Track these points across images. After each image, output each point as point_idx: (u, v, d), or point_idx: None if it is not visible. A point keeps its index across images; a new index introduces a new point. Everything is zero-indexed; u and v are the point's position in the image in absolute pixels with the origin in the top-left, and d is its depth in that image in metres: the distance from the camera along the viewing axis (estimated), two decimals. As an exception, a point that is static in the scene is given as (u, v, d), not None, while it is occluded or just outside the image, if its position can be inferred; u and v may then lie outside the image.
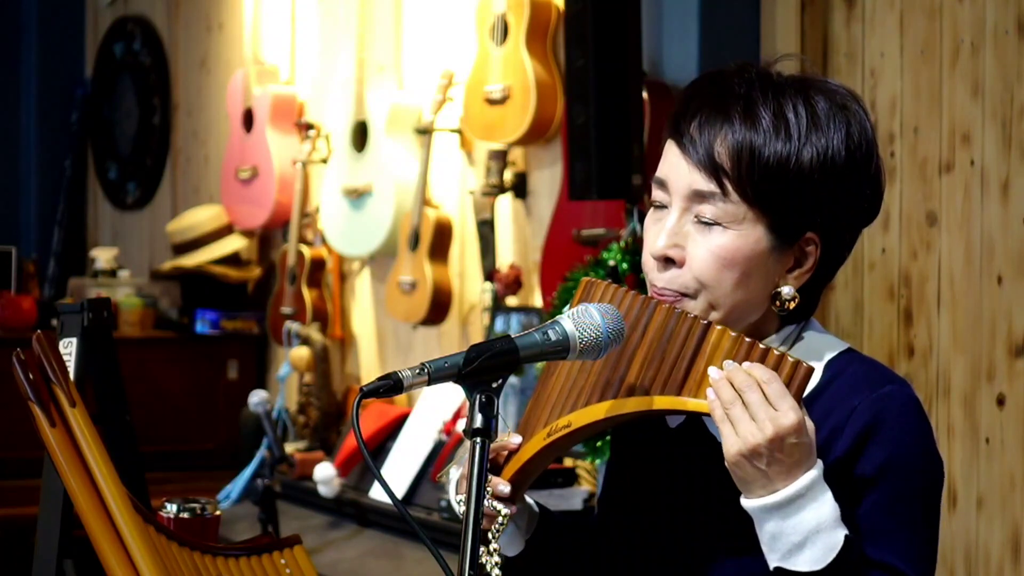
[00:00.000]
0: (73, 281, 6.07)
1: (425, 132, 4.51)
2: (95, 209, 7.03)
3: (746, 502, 1.56)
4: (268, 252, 5.66)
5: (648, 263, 1.69)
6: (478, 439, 1.52)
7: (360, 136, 4.78)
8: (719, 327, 1.60)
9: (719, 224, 1.62)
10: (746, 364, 1.56)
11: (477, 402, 1.53)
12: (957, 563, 3.22)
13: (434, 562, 1.56)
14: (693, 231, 1.64)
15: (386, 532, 4.10)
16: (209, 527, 2.14)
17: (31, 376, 2.01)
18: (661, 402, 1.61)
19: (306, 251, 5.12)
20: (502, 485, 1.67)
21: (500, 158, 4.27)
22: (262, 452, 4.00)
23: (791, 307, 1.66)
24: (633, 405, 1.62)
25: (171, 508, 2.13)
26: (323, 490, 4.30)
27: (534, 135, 4.11)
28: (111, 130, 6.84)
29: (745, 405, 1.53)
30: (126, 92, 6.72)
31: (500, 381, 1.54)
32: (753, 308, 1.66)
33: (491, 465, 1.69)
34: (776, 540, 1.55)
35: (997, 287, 3.17)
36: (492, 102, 4.15)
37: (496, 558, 1.63)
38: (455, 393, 4.15)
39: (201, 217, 5.59)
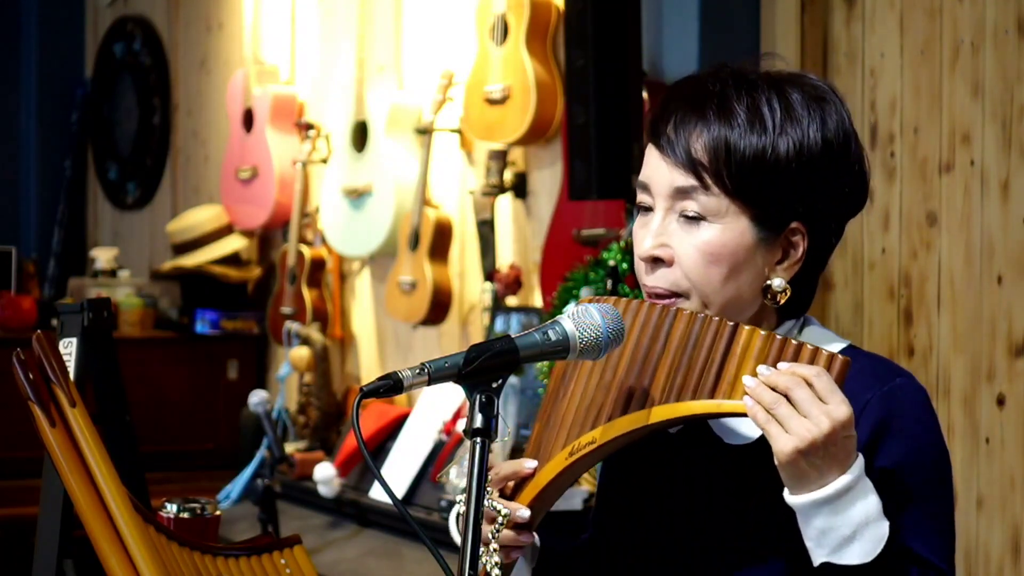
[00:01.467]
0: (73, 281, 6.07)
1: (425, 132, 4.51)
2: (95, 209, 7.03)
3: (795, 498, 1.54)
4: (268, 252, 5.66)
5: (639, 266, 1.70)
6: (478, 439, 1.52)
7: (360, 136, 4.78)
8: (747, 327, 1.59)
9: (704, 219, 1.64)
10: (785, 364, 1.55)
11: (477, 402, 1.52)
12: (957, 563, 3.21)
13: (434, 562, 1.56)
14: (678, 229, 1.66)
15: (386, 532, 4.10)
16: (209, 527, 2.14)
17: (31, 376, 2.01)
18: (695, 407, 1.58)
19: (306, 251, 5.12)
20: (522, 511, 1.65)
21: (500, 158, 4.27)
22: (262, 452, 4.00)
23: (783, 300, 1.67)
24: (664, 413, 1.60)
25: (171, 508, 2.13)
26: (323, 490, 4.30)
27: (534, 135, 4.11)
28: (111, 130, 6.84)
29: (794, 403, 1.52)
30: (126, 92, 6.72)
31: (500, 381, 1.54)
32: (746, 303, 1.67)
33: (501, 492, 1.68)
34: (825, 535, 1.54)
35: (997, 287, 3.17)
36: (492, 102, 4.15)
37: (496, 558, 1.63)
38: (455, 393, 4.15)
39: (201, 217, 5.59)
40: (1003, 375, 3.15)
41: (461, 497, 1.63)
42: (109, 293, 5.60)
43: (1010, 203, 3.14)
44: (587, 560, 1.84)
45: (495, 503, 1.64)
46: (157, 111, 6.48)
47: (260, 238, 5.66)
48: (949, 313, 3.27)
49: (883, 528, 1.54)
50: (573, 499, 3.67)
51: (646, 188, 1.69)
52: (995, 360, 3.17)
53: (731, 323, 1.60)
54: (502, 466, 1.68)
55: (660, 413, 1.60)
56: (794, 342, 1.57)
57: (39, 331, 2.06)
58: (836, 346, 1.70)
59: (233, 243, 5.56)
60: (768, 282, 1.67)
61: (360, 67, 4.77)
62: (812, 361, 1.55)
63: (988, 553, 3.16)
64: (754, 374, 1.56)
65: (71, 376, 2.11)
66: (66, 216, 6.97)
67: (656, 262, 1.67)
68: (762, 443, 1.67)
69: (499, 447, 3.76)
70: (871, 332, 3.45)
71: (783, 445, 1.51)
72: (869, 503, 1.54)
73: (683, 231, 1.65)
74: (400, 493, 4.04)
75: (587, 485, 3.75)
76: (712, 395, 1.58)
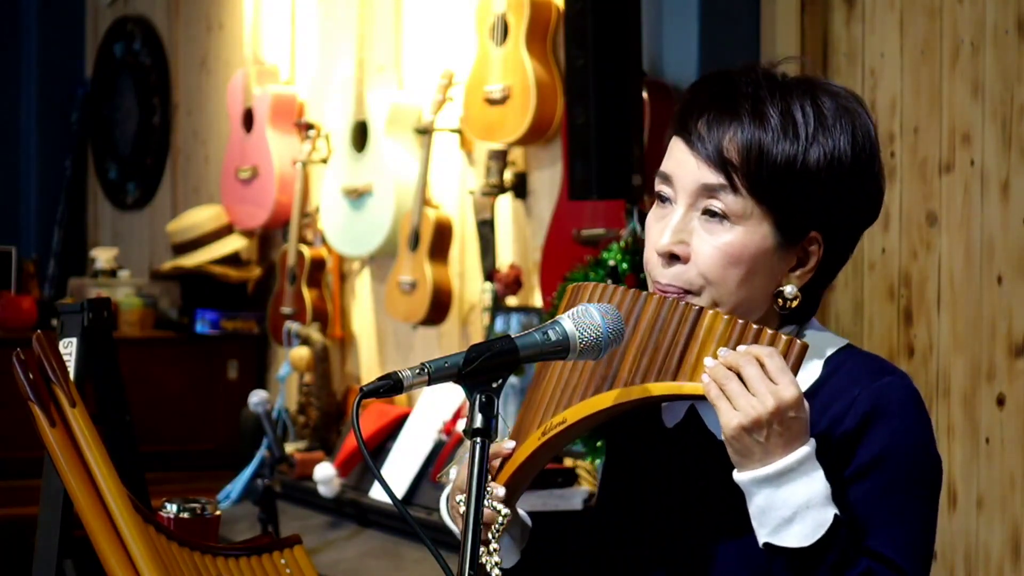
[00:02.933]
0: (73, 281, 6.07)
1: (425, 132, 4.51)
2: (95, 209, 7.03)
3: (738, 475, 1.57)
4: (268, 252, 5.66)
5: (651, 259, 1.69)
6: (478, 439, 1.52)
7: (360, 136, 4.78)
8: (711, 311, 1.61)
9: (727, 219, 1.63)
10: (743, 346, 1.57)
11: (477, 402, 1.52)
12: (957, 563, 3.21)
13: (434, 562, 1.56)
14: (699, 227, 1.65)
15: (386, 532, 4.10)
16: (209, 527, 2.14)
17: (31, 376, 2.01)
18: (655, 389, 1.61)
19: (306, 251, 5.12)
20: (498, 489, 1.67)
21: (500, 158, 4.27)
22: (262, 452, 4.00)
23: (792, 306, 1.67)
24: (627, 395, 1.63)
25: (171, 508, 2.13)
26: (323, 490, 4.30)
27: (534, 135, 4.11)
28: (111, 130, 6.84)
29: (744, 380, 1.54)
30: (126, 92, 6.72)
31: (500, 381, 1.54)
32: (756, 307, 1.67)
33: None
34: (765, 514, 1.55)
35: (997, 287, 3.17)
36: (492, 102, 4.15)
37: (496, 558, 1.63)
38: (455, 393, 4.15)
39: (201, 217, 5.59)
40: (1003, 375, 3.15)
41: (461, 497, 1.63)
42: (109, 293, 5.60)
43: (1010, 203, 3.14)
44: (583, 538, 1.84)
45: (495, 503, 1.64)
46: (157, 111, 6.48)
47: (260, 238, 5.66)
48: (949, 313, 3.27)
49: (827, 514, 1.54)
50: (573, 499, 3.67)
51: (668, 180, 1.68)
52: (995, 360, 3.17)
53: (696, 307, 1.61)
54: None
55: (623, 395, 1.63)
56: (754, 326, 1.59)
57: (39, 331, 2.06)
58: (835, 346, 1.70)
59: (233, 243, 5.56)
60: (780, 288, 1.67)
61: (360, 67, 4.77)
62: (771, 344, 1.57)
63: (988, 553, 3.16)
64: (716, 356, 1.58)
65: (71, 376, 2.11)
66: (66, 216, 6.97)
67: (672, 258, 1.66)
68: None
69: (499, 447, 3.76)
70: (871, 332, 3.45)
71: (728, 420, 1.54)
72: (813, 487, 1.54)
73: (704, 230, 1.65)
74: (400, 493, 4.04)
75: (587, 485, 3.75)
76: (675, 377, 1.61)
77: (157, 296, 5.76)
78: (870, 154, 1.66)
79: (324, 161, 5.09)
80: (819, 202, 1.63)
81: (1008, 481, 3.13)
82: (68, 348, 2.24)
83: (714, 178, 1.63)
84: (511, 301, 4.25)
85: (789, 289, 1.67)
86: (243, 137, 5.43)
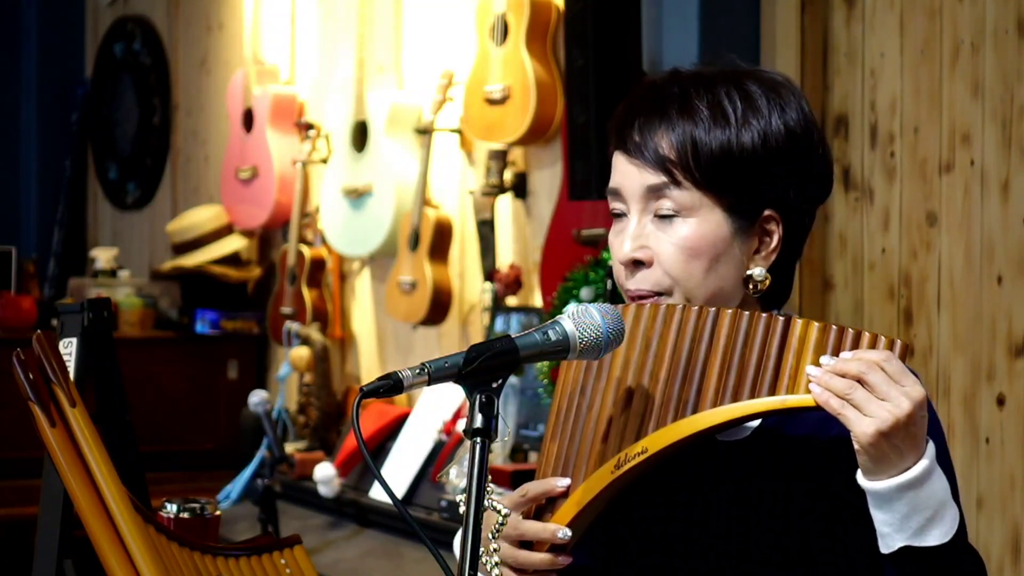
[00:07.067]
0: (73, 281, 6.07)
1: (425, 132, 4.51)
2: (95, 209, 7.03)
3: (876, 483, 1.52)
4: (268, 252, 5.66)
5: (620, 272, 1.71)
6: (478, 439, 1.52)
7: (360, 136, 4.78)
8: (800, 320, 1.57)
9: (678, 215, 1.66)
10: (848, 353, 1.54)
11: (477, 402, 1.52)
12: (957, 563, 3.21)
13: (434, 562, 1.56)
14: (655, 230, 1.68)
15: (386, 532, 4.11)
16: (209, 527, 2.14)
17: (31, 376, 2.01)
18: (760, 405, 1.55)
19: (306, 251, 5.12)
20: (563, 530, 1.63)
21: (500, 158, 4.27)
22: (262, 452, 4.01)
23: (764, 287, 1.68)
24: (727, 414, 1.56)
25: (171, 508, 2.13)
26: (323, 490, 4.31)
27: (534, 135, 4.11)
28: (111, 130, 6.84)
29: (869, 387, 1.50)
30: (126, 92, 6.72)
31: (500, 381, 1.53)
32: (729, 296, 1.68)
33: (524, 514, 1.65)
34: (908, 519, 1.53)
35: (997, 287, 3.17)
36: (492, 102, 4.15)
37: (496, 558, 1.62)
38: (455, 393, 4.15)
39: (201, 217, 5.59)
40: (1003, 375, 3.15)
41: (461, 497, 1.63)
42: (109, 293, 5.60)
43: (1010, 203, 3.14)
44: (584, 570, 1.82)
45: (495, 503, 1.64)
46: (157, 111, 6.48)
47: (260, 238, 5.66)
48: (949, 313, 3.27)
49: (955, 507, 1.54)
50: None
51: (617, 194, 1.71)
52: (995, 360, 3.17)
53: (782, 317, 1.58)
54: (530, 487, 1.66)
55: (721, 415, 1.57)
56: (850, 331, 1.55)
57: (39, 331, 2.07)
58: None
59: (233, 243, 5.56)
60: (748, 272, 1.68)
61: (360, 67, 4.77)
62: (873, 347, 1.54)
63: (988, 553, 3.16)
64: (818, 365, 1.54)
65: (71, 376, 2.11)
66: (66, 216, 6.97)
67: (636, 264, 1.68)
68: (757, 439, 1.67)
69: (499, 447, 3.77)
70: (871, 332, 3.45)
71: (865, 428, 1.50)
72: (944, 482, 1.54)
73: (660, 230, 1.67)
74: (400, 493, 4.04)
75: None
76: (772, 391, 1.55)
77: (157, 296, 5.77)
78: (805, 128, 1.68)
79: (324, 161, 5.10)
80: (762, 181, 1.66)
81: (1008, 481, 3.13)
82: (68, 348, 2.24)
83: (656, 178, 1.66)
84: (511, 301, 4.25)
85: (757, 271, 1.68)
86: (243, 137, 5.43)
